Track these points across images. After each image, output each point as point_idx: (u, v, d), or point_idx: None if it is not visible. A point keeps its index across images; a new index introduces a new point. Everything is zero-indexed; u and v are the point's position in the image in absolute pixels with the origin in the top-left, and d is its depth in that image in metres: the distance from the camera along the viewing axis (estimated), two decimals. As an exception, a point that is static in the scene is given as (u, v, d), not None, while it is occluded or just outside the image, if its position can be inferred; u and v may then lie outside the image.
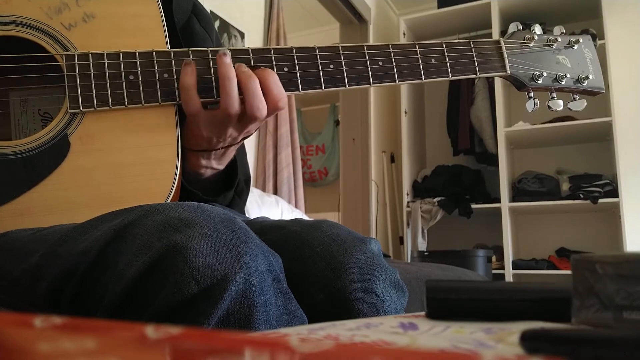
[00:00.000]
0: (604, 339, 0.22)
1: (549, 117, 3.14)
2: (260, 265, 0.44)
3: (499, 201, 3.18)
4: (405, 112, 3.50)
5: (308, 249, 0.59)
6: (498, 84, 3.23)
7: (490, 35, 3.42)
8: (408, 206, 3.42)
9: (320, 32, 4.30)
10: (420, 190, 3.54)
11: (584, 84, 0.76)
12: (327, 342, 0.15)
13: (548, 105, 0.76)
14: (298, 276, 0.57)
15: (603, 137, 3.19)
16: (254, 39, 2.50)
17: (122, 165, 0.60)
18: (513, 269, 3.13)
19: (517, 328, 0.27)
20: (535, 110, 0.76)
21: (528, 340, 0.23)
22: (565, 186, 3.15)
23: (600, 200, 2.94)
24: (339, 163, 3.81)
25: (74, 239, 0.48)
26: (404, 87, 3.54)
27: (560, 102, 0.76)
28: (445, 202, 3.31)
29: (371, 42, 3.50)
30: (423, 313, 0.34)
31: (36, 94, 0.67)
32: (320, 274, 0.57)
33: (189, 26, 0.78)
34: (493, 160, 3.31)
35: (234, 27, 2.34)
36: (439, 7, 3.51)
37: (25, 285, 0.48)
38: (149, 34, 0.63)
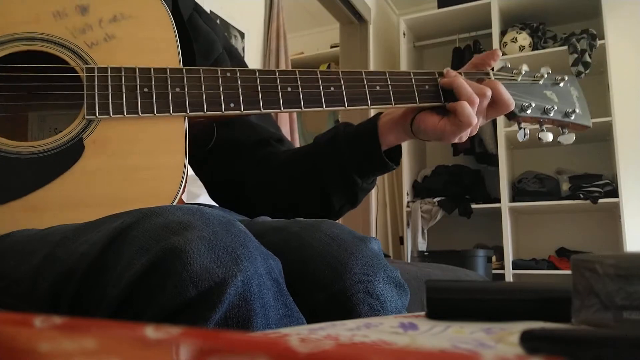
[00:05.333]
0: (604, 339, 0.22)
1: (549, 117, 3.14)
2: (259, 269, 0.44)
3: (499, 201, 3.18)
4: (405, 112, 3.50)
5: (308, 249, 0.59)
6: (498, 84, 3.23)
7: (490, 35, 3.42)
8: (408, 206, 3.42)
9: (320, 32, 4.30)
10: (420, 190, 3.54)
11: (572, 118, 0.80)
12: (327, 342, 0.15)
13: (538, 137, 0.79)
14: (298, 276, 0.57)
15: (603, 137, 3.18)
16: (254, 39, 2.50)
17: (132, 168, 0.63)
18: (513, 269, 3.13)
19: (517, 328, 0.27)
20: (526, 140, 0.79)
21: (528, 340, 0.23)
22: (565, 186, 3.15)
23: (600, 200, 2.94)
24: (339, 163, 3.80)
25: (74, 241, 0.48)
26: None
27: (550, 134, 0.79)
28: (445, 202, 3.31)
29: (371, 41, 3.51)
30: (423, 313, 0.34)
31: (53, 111, 0.72)
32: (320, 274, 0.57)
33: (193, 21, 0.83)
34: (493, 160, 3.31)
35: (234, 27, 2.34)
36: (439, 7, 3.52)
37: (26, 286, 0.48)
38: (164, 55, 0.69)
